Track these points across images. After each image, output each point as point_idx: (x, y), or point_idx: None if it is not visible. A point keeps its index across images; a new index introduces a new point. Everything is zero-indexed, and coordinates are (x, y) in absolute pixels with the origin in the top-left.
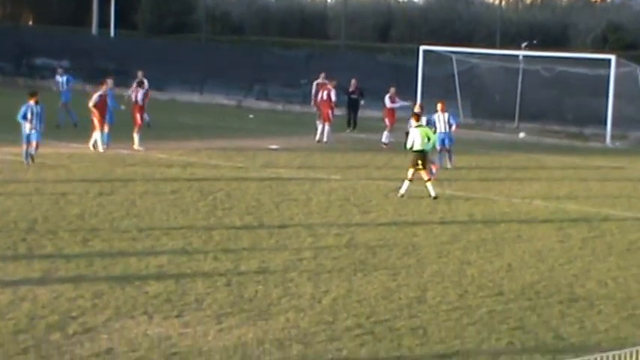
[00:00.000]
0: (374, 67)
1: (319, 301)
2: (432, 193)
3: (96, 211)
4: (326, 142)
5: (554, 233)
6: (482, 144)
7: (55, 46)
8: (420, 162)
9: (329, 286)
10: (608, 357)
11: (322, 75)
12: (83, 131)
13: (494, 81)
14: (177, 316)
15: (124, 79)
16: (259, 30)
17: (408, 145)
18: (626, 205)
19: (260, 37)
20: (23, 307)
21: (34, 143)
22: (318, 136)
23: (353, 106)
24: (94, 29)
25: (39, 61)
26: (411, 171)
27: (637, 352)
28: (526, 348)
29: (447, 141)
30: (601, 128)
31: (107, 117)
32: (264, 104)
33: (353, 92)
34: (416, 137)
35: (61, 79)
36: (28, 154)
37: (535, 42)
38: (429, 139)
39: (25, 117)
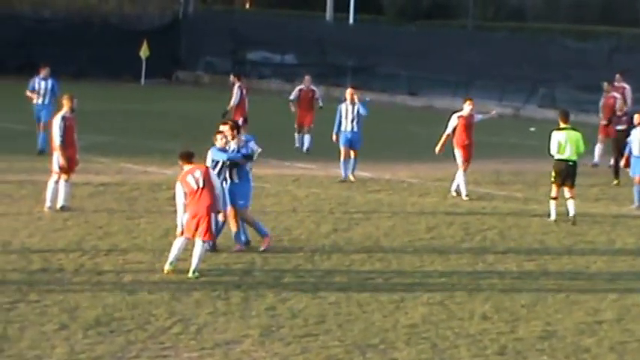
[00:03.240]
0: None
1: None
2: (571, 212)
3: (329, 251)
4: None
5: None
6: None
7: (277, 37)
8: (559, 174)
9: None
10: None
11: (617, 76)
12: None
13: None
14: None
15: (365, 79)
16: (545, 15)
17: (552, 151)
18: None
19: (546, 23)
20: None
21: None
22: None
23: (620, 143)
24: (328, 14)
25: (256, 55)
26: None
27: None
28: None
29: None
30: None
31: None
32: (550, 113)
33: (619, 119)
34: (561, 142)
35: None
36: None
37: None
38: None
39: None
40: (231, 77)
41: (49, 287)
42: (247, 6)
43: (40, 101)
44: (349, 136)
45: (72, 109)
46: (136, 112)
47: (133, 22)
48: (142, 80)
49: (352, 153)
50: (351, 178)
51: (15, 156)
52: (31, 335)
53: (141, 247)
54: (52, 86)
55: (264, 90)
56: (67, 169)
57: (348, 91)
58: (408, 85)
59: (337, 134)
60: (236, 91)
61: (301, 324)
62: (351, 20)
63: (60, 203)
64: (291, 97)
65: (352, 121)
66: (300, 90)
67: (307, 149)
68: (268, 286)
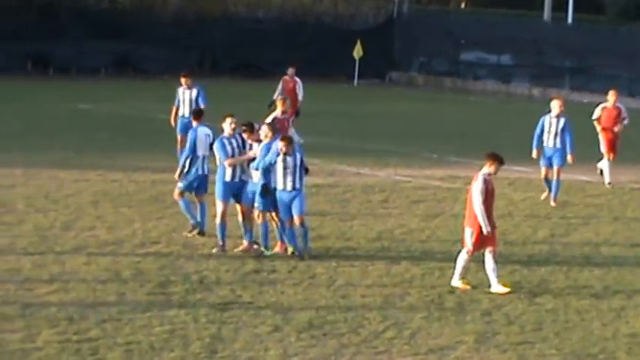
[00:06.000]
0: None
1: None
2: None
3: (545, 257)
4: None
5: None
6: None
7: (492, 37)
8: None
9: None
10: None
11: None
12: (526, 151)
13: None
14: None
15: (583, 81)
16: None
17: None
18: None
19: None
20: None
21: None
22: None
23: None
24: (546, 14)
25: (472, 55)
26: None
27: None
28: None
29: None
30: None
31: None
32: None
33: None
34: None
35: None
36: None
37: None
38: None
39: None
40: (290, 70)
41: (262, 288)
42: (462, 5)
43: (186, 113)
44: (550, 153)
45: (284, 111)
46: (349, 113)
47: (346, 22)
48: (355, 81)
49: (555, 172)
50: (552, 204)
51: None
52: (244, 337)
53: (354, 250)
54: (197, 95)
55: (479, 91)
56: None
57: (557, 103)
58: (629, 87)
59: (538, 149)
60: (300, 84)
61: (517, 331)
62: (569, 20)
63: None
64: (594, 116)
65: (555, 136)
66: (604, 108)
67: None
68: (483, 292)
